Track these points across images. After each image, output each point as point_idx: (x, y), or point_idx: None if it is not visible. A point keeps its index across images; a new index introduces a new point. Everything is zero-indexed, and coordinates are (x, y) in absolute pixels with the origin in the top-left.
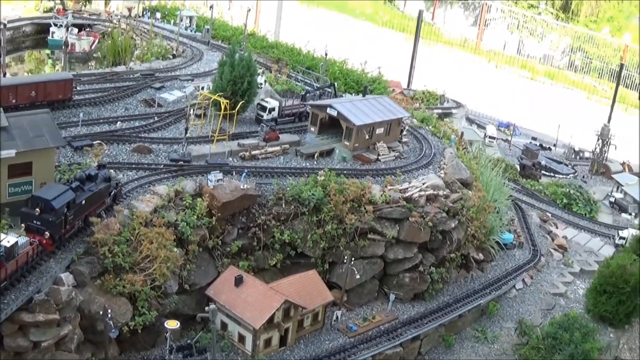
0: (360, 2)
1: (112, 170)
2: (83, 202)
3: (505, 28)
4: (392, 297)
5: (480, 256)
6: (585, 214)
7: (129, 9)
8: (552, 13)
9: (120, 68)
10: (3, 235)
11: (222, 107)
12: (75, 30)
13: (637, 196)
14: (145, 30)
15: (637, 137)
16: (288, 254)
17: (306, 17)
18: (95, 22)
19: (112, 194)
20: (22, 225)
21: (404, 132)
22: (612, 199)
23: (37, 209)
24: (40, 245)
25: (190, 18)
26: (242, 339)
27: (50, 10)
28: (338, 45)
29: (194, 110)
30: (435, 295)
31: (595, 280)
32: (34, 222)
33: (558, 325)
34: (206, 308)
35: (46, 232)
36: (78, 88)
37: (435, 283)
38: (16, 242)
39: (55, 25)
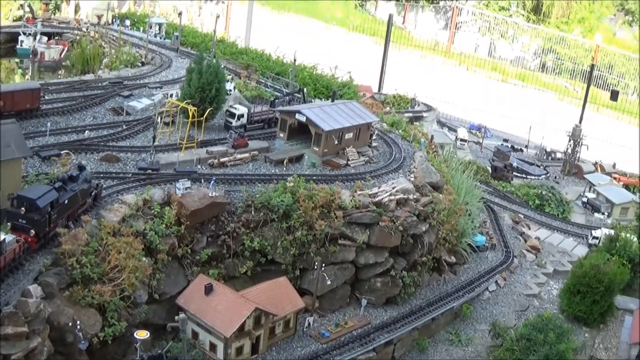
0: (330, 6)
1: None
2: (66, 201)
3: (476, 31)
4: (364, 302)
5: (453, 259)
6: (558, 215)
7: (98, 17)
8: (523, 15)
9: (89, 76)
10: None
11: (190, 114)
12: (45, 38)
13: (610, 196)
14: (114, 38)
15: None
16: (258, 261)
17: (277, 22)
18: (65, 31)
19: (92, 194)
20: (8, 224)
21: (374, 137)
22: (585, 199)
23: (23, 208)
24: (26, 243)
25: (160, 25)
26: (213, 347)
27: (20, 19)
28: (308, 51)
29: (162, 118)
30: (408, 299)
31: (568, 280)
32: (20, 220)
33: (532, 326)
34: (176, 317)
35: (31, 231)
36: (46, 97)
37: (408, 287)
38: (4, 240)
39: (24, 34)
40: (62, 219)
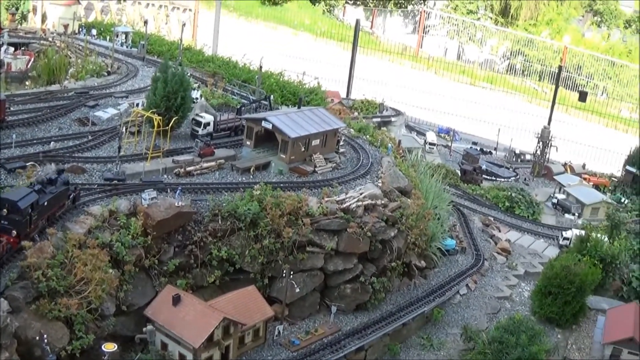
0: (298, 13)
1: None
2: (45, 203)
3: (444, 34)
4: (334, 309)
5: (423, 263)
6: (528, 217)
7: (65, 27)
8: (491, 18)
9: (55, 87)
10: None
11: (155, 124)
12: (11, 49)
13: (580, 196)
14: (81, 48)
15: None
16: (226, 271)
17: (244, 29)
18: (31, 41)
19: (71, 196)
20: None
21: (341, 143)
22: (555, 200)
23: (5, 210)
24: (8, 244)
25: (126, 34)
26: (182, 358)
27: None
28: (276, 58)
29: (127, 128)
30: (378, 304)
31: (539, 282)
32: (2, 222)
33: (504, 329)
34: (144, 329)
35: (13, 231)
36: (12, 108)
37: (378, 293)
38: None
39: None
40: (43, 219)
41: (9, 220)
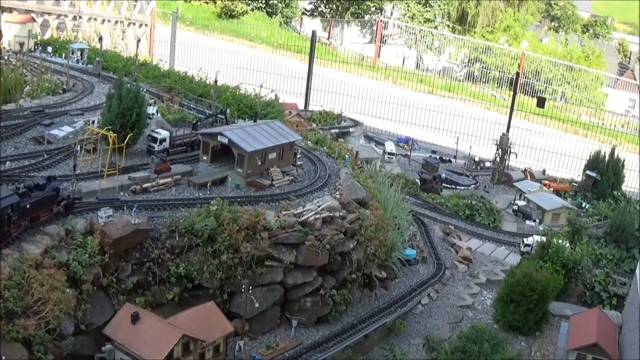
0: (255, 26)
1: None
2: (28, 205)
3: (402, 44)
4: (294, 322)
5: (383, 274)
6: (489, 224)
7: (21, 44)
8: (448, 26)
9: (10, 106)
10: None
11: (110, 141)
12: None
13: (540, 203)
14: (37, 66)
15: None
16: (185, 287)
17: (201, 43)
18: None
19: (62, 203)
20: None
21: (298, 155)
22: (515, 207)
23: None
24: None
25: (82, 51)
26: None
27: None
28: (233, 71)
29: (82, 146)
30: (339, 317)
31: (501, 290)
32: None
33: (466, 338)
34: (103, 348)
35: None
36: None
37: (338, 305)
38: None
39: None
40: (25, 221)
41: None
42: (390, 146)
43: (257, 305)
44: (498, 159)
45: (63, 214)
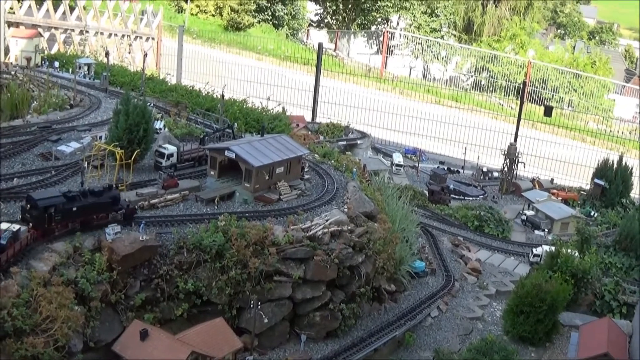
0: (262, 39)
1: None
2: (75, 209)
3: (409, 54)
4: (303, 337)
5: (392, 287)
6: (498, 235)
7: (28, 59)
8: (454, 36)
9: (18, 122)
10: (5, 225)
11: (117, 157)
12: None
13: (549, 212)
14: (43, 81)
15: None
16: (194, 303)
17: (208, 56)
18: None
19: (120, 211)
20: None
21: (306, 169)
22: (524, 217)
23: (28, 205)
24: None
25: (89, 65)
26: None
27: None
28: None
29: (89, 162)
30: (349, 331)
31: (511, 301)
32: (27, 214)
33: (476, 350)
34: None
35: (31, 224)
36: None
37: (347, 319)
38: (19, 228)
39: None
40: (73, 223)
41: (30, 214)
42: (398, 158)
43: (266, 320)
44: (506, 169)
45: (121, 221)
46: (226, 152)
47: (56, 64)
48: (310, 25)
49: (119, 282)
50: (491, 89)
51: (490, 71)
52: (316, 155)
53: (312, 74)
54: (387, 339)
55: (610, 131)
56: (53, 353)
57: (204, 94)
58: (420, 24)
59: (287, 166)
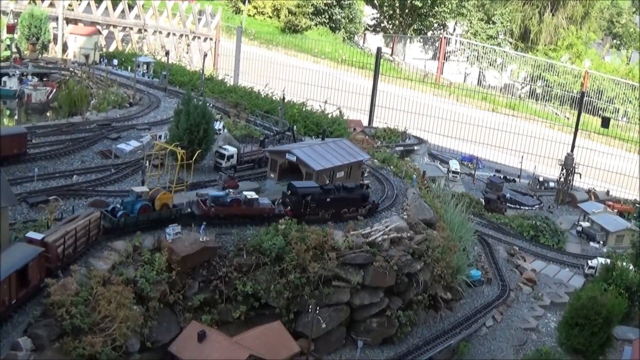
0: (319, 41)
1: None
2: (328, 200)
3: (465, 60)
4: (360, 343)
5: (449, 295)
6: (553, 245)
7: (86, 57)
8: (511, 43)
9: (77, 119)
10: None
11: (179, 157)
12: (35, 79)
13: (604, 224)
14: (102, 78)
15: (603, 164)
16: (252, 306)
17: (265, 58)
18: (52, 71)
19: (366, 207)
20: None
21: (365, 174)
22: (579, 228)
23: (289, 191)
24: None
25: (147, 64)
26: None
27: (7, 59)
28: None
29: (150, 161)
30: (405, 338)
31: (566, 313)
32: (287, 199)
33: None
34: None
35: (289, 207)
36: (33, 141)
37: (404, 326)
38: (256, 199)
39: (7, 74)
40: (325, 212)
41: (289, 199)
42: (454, 165)
43: (323, 325)
44: (562, 179)
45: (365, 215)
46: (287, 155)
47: (115, 61)
48: (366, 29)
49: (177, 282)
50: (547, 97)
51: (546, 80)
52: (375, 160)
53: (369, 77)
54: (442, 347)
55: None
56: (110, 352)
57: (263, 96)
58: (477, 31)
59: (348, 171)
